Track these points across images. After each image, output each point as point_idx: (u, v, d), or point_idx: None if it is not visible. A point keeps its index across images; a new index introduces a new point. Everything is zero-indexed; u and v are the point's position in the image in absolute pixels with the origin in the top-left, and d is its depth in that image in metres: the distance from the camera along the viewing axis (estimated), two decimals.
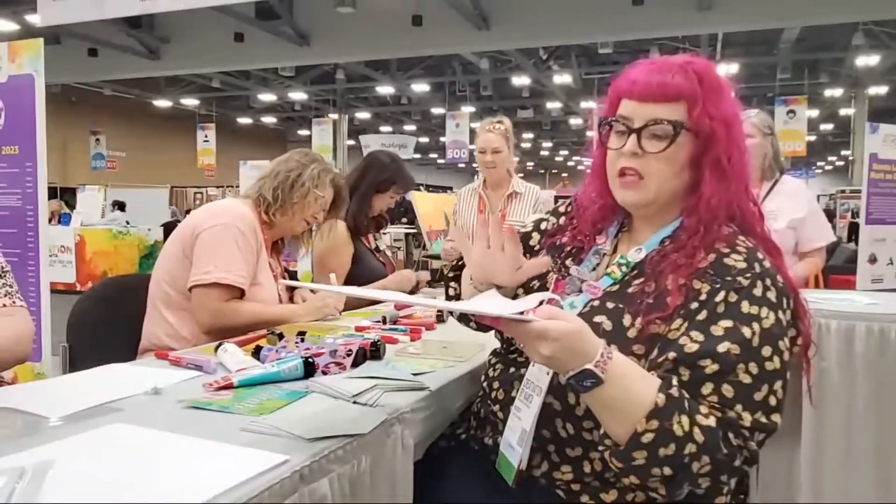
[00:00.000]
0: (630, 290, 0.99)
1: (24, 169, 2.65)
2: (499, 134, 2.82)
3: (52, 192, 10.16)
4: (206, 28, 10.08)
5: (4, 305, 1.19)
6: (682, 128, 0.96)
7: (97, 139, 15.14)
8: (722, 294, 0.91)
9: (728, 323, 0.89)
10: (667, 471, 0.83)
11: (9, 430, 0.91)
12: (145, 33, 10.59)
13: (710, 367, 0.87)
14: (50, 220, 4.22)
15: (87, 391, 1.06)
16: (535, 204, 2.83)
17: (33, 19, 6.93)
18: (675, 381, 0.87)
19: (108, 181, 13.65)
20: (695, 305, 0.92)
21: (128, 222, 9.39)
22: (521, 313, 0.84)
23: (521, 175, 3.06)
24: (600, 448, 0.90)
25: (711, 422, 0.84)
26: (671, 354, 0.89)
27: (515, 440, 0.95)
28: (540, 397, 0.94)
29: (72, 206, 10.44)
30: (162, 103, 16.90)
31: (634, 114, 0.99)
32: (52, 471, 0.70)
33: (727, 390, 0.86)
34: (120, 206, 10.57)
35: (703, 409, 0.86)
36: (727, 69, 11.50)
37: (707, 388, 0.87)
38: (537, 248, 1.20)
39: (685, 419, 0.83)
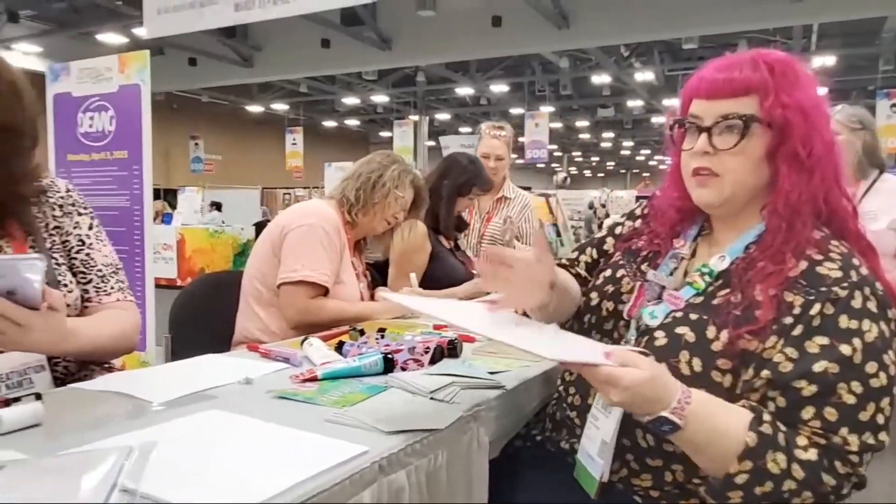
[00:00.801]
0: (715, 301, 0.95)
1: (132, 172, 2.86)
2: (503, 141, 2.85)
3: (156, 194, 10.89)
4: (295, 36, 10.50)
5: (118, 300, 1.27)
6: (754, 121, 0.92)
7: (196, 143, 16.09)
8: (817, 307, 0.85)
9: (824, 340, 0.84)
10: None
11: (118, 412, 0.99)
12: (239, 42, 11.16)
13: (808, 388, 0.83)
14: (154, 220, 4.54)
15: (186, 379, 1.13)
16: (522, 210, 2.87)
17: (140, 32, 7.48)
18: (766, 416, 0.83)
19: (205, 183, 14.48)
20: (789, 320, 0.87)
21: (223, 221, 9.94)
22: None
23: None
24: (695, 481, 0.87)
25: (812, 455, 0.80)
26: (764, 373, 0.85)
27: (595, 451, 0.94)
28: (619, 409, 0.92)
29: (173, 207, 11.15)
30: (254, 108, 17.74)
31: (704, 112, 0.95)
32: (156, 451, 0.76)
33: (830, 413, 0.81)
34: (217, 206, 11.19)
35: (802, 441, 0.82)
36: (823, 62, 10.77)
37: (807, 413, 0.83)
38: (611, 251, 1.18)
39: (781, 456, 0.80)
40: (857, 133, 2.21)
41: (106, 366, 1.28)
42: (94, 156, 2.94)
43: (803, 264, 0.90)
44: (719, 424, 0.83)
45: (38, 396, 0.91)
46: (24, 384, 1.07)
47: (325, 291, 1.77)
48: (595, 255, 1.21)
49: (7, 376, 1.04)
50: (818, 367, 0.83)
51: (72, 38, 10.79)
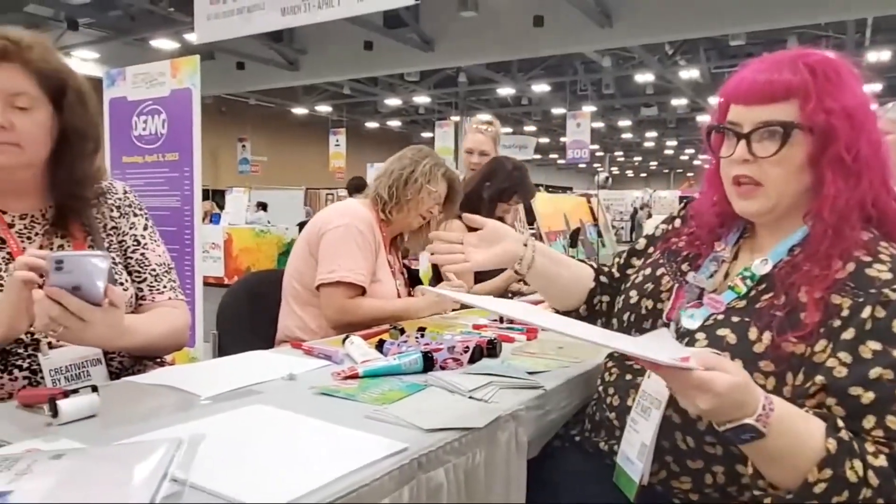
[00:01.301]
0: (758, 305, 0.92)
1: (183, 173, 2.96)
2: (489, 136, 2.74)
3: (205, 194, 11.19)
4: (339, 39, 10.66)
5: (170, 298, 1.29)
6: (794, 128, 0.89)
7: (243, 145, 16.51)
8: (868, 310, 0.83)
9: (877, 345, 0.81)
10: None
11: (168, 405, 1.03)
12: (286, 46, 11.40)
13: (866, 396, 0.80)
14: (203, 220, 4.67)
15: (233, 374, 1.17)
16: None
17: (191, 38, 7.72)
18: (840, 422, 0.80)
19: (251, 184, 14.83)
20: (837, 323, 0.84)
21: (269, 221, 10.16)
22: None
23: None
24: (756, 492, 0.84)
25: (882, 461, 0.78)
26: (818, 378, 0.83)
27: (634, 454, 0.93)
28: (659, 411, 0.91)
29: (221, 207, 11.46)
30: (299, 111, 18.08)
31: (743, 118, 0.93)
32: (204, 443, 0.79)
33: (892, 422, 0.79)
34: (263, 206, 11.44)
35: (870, 447, 0.79)
36: (878, 57, 10.32)
37: (869, 422, 0.80)
38: (651, 251, 1.18)
39: (858, 463, 0.77)
40: None
41: (158, 360, 1.32)
42: (147, 158, 3.05)
43: (851, 266, 0.87)
44: (800, 431, 0.78)
45: (95, 389, 0.95)
46: (81, 377, 1.12)
47: (362, 291, 1.79)
48: (626, 256, 1.25)
49: (66, 369, 1.10)
50: (873, 373, 0.80)
51: (127, 44, 11.20)
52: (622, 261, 1.26)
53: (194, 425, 0.90)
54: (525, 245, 1.19)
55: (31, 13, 10.00)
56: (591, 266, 1.29)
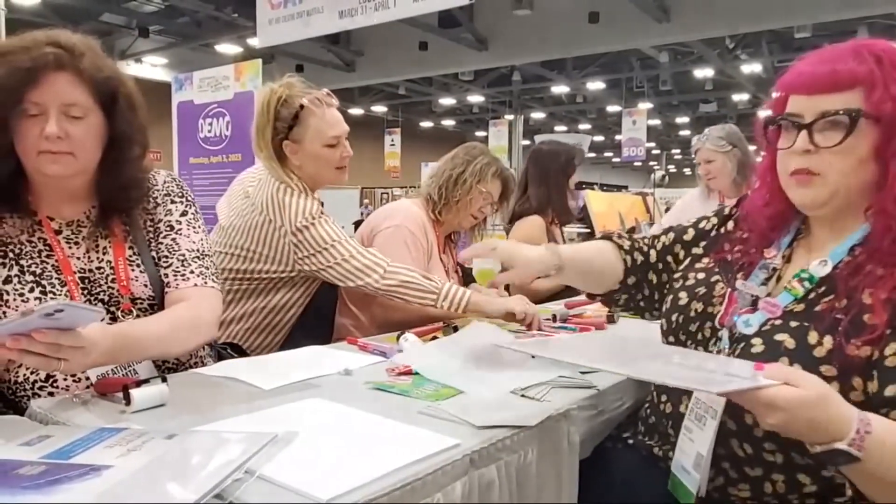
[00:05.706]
0: (817, 308, 0.89)
1: None
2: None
3: None
4: (394, 40, 10.78)
5: (196, 285, 1.22)
6: (860, 116, 0.85)
7: None
8: None
9: None
10: None
11: (230, 396, 1.07)
12: (343, 48, 11.61)
13: None
14: None
15: (293, 368, 1.20)
16: None
17: (253, 42, 7.97)
18: None
19: None
20: None
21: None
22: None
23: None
24: (838, 500, 0.81)
25: None
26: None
27: (690, 464, 0.91)
28: (715, 420, 0.89)
29: None
30: (355, 111, 18.37)
31: (804, 109, 0.89)
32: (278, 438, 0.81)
33: None
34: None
35: None
36: None
37: None
38: (700, 254, 1.14)
39: None
40: None
41: (234, 353, 1.34)
42: (212, 159, 3.18)
43: None
44: None
45: (164, 379, 1.00)
46: (129, 376, 1.12)
47: None
48: (672, 239, 1.17)
49: (113, 371, 1.11)
50: None
51: (193, 49, 11.64)
52: (668, 243, 1.17)
53: (256, 416, 0.94)
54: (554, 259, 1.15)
55: (106, 21, 10.53)
56: (616, 244, 1.21)
